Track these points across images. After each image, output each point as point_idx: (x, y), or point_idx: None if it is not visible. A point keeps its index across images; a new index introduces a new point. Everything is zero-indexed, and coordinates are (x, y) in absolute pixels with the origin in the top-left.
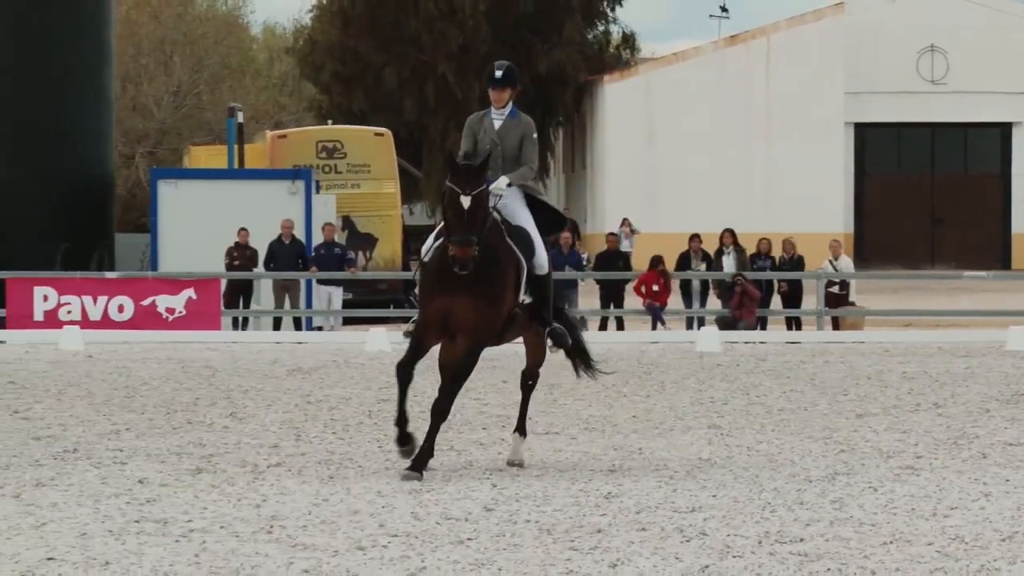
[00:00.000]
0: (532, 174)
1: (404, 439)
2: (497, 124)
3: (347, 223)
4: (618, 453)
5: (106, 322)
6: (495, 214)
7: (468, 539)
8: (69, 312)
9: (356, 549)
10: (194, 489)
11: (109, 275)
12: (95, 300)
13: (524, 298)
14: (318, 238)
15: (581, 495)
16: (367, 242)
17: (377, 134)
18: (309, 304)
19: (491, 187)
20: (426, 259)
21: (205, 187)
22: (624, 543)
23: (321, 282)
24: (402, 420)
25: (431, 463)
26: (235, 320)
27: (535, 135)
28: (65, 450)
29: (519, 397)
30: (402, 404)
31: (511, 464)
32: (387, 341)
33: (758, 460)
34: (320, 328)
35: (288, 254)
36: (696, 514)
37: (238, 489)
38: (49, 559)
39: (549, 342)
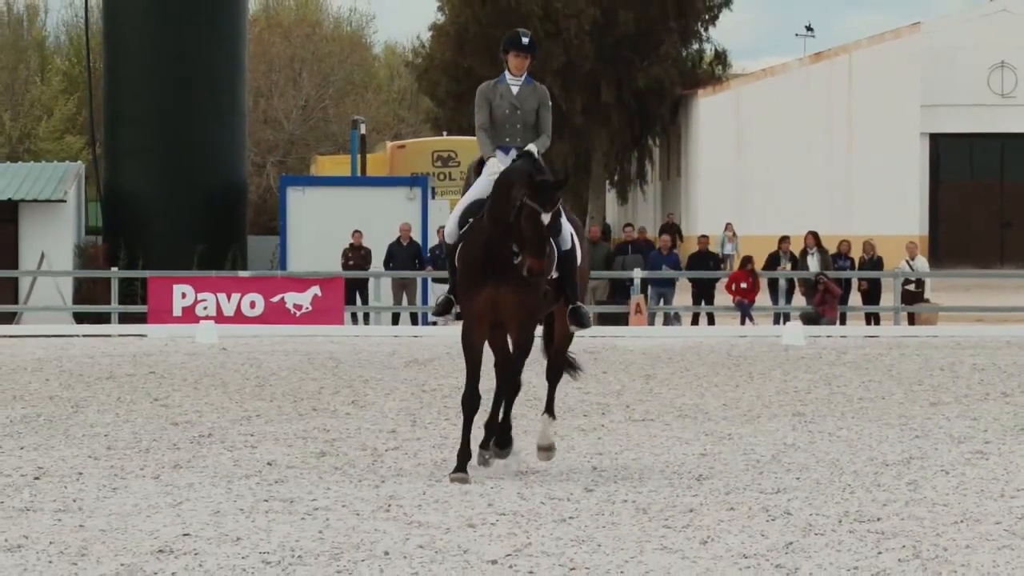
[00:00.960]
0: (549, 143)
1: (462, 468)
2: (515, 89)
3: None
4: (709, 438)
5: (239, 317)
6: None
7: (570, 517)
8: (205, 308)
9: (467, 526)
10: (318, 471)
11: (242, 274)
12: (229, 297)
13: (553, 273)
14: (434, 240)
15: (674, 477)
16: None
17: None
18: (425, 301)
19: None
20: (459, 247)
21: (330, 193)
22: (714, 521)
23: (436, 280)
24: (466, 453)
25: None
26: (354, 316)
27: (550, 103)
28: (200, 435)
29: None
30: (467, 435)
31: (541, 449)
32: None
33: (838, 445)
34: (435, 323)
35: (406, 255)
36: (781, 495)
37: (359, 471)
38: (185, 535)
39: (568, 319)
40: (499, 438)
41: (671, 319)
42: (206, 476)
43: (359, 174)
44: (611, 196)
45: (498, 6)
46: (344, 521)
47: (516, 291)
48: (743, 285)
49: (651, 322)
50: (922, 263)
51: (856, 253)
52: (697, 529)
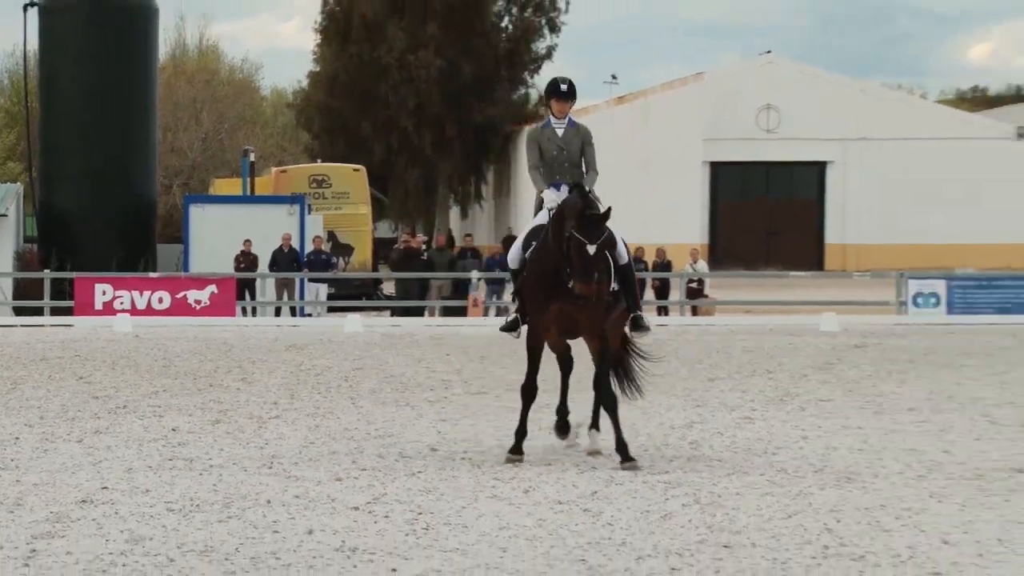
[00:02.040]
0: (597, 176)
1: (518, 448)
2: (560, 132)
3: (331, 236)
4: (534, 409)
5: (149, 311)
6: None
7: (419, 472)
8: (122, 303)
9: (335, 480)
10: (213, 435)
11: (152, 275)
12: (141, 294)
13: (614, 285)
14: (310, 248)
15: (504, 439)
16: (346, 251)
17: (355, 170)
18: (302, 296)
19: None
20: (526, 268)
21: (225, 209)
22: (535, 474)
23: (311, 280)
24: (522, 432)
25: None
26: (244, 309)
27: (593, 141)
28: (117, 406)
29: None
30: (524, 419)
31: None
32: (360, 324)
33: (634, 413)
34: (310, 315)
35: (287, 260)
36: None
37: (247, 435)
38: (104, 488)
39: (628, 326)
40: (621, 452)
41: (502, 311)
42: (121, 440)
43: (249, 194)
44: (454, 211)
45: (362, 58)
46: (234, 476)
47: (582, 306)
48: None
49: (485, 314)
50: (703, 265)
51: (650, 258)
52: (521, 480)
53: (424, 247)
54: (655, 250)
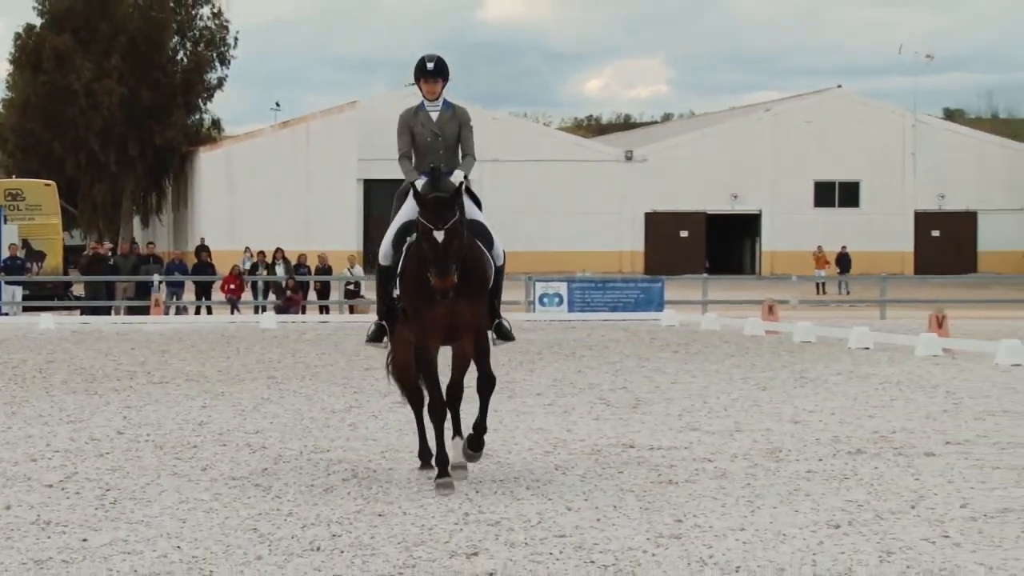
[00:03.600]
0: (475, 161)
1: (444, 473)
2: (434, 116)
3: (26, 244)
4: (208, 395)
5: None
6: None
7: (107, 453)
8: None
9: (30, 460)
10: None
11: None
12: None
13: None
14: (6, 254)
15: (183, 423)
16: (39, 257)
17: (46, 184)
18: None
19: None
20: (399, 269)
21: None
22: (211, 454)
23: (8, 283)
24: (444, 459)
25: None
26: None
27: (472, 123)
28: None
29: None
30: (441, 441)
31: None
32: (53, 323)
33: (300, 399)
34: (7, 314)
35: None
36: (260, 435)
37: None
38: None
39: (493, 336)
40: (475, 440)
41: (181, 310)
42: None
43: None
44: (137, 221)
45: (52, 85)
46: None
47: (470, 305)
48: (232, 286)
49: (167, 312)
50: (359, 270)
51: (313, 263)
52: (199, 460)
53: (110, 253)
54: (317, 256)
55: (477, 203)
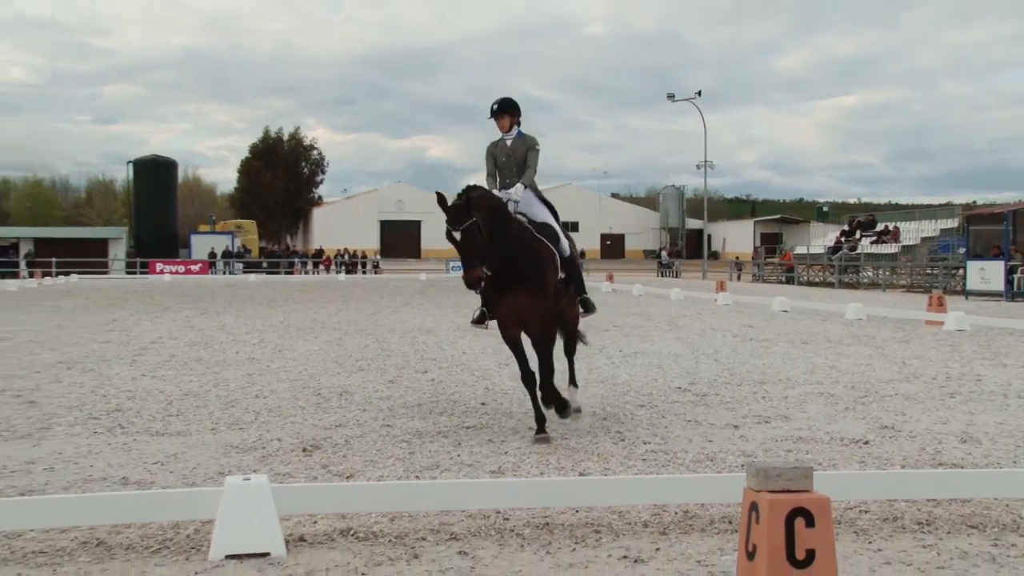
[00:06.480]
0: (534, 173)
1: (542, 430)
2: (508, 143)
3: (243, 246)
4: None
5: None
6: (520, 217)
7: (278, 334)
8: None
9: (247, 332)
10: None
11: None
12: None
13: (560, 275)
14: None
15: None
16: (248, 252)
17: (251, 221)
18: None
19: (510, 192)
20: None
21: None
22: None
23: (236, 262)
24: (541, 417)
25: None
26: None
27: (538, 146)
28: None
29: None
30: (536, 404)
31: (573, 411)
32: (254, 277)
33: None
34: (234, 273)
35: None
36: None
37: None
38: None
39: (581, 309)
40: (557, 407)
41: (306, 273)
42: None
43: None
44: (288, 237)
45: (254, 182)
46: None
47: (530, 297)
48: (326, 263)
49: (302, 273)
50: (374, 259)
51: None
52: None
53: (276, 249)
54: (352, 251)
55: (550, 207)
